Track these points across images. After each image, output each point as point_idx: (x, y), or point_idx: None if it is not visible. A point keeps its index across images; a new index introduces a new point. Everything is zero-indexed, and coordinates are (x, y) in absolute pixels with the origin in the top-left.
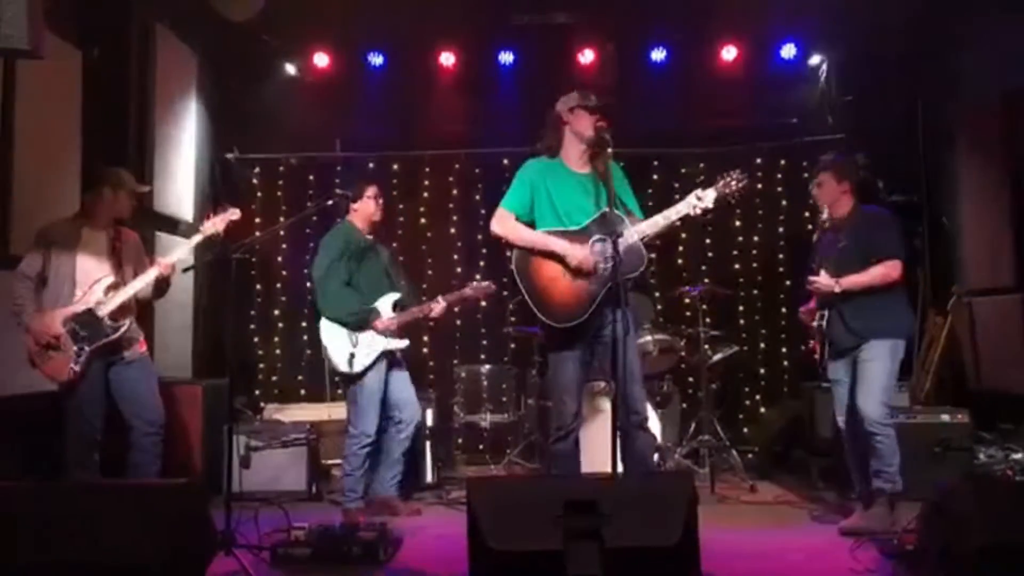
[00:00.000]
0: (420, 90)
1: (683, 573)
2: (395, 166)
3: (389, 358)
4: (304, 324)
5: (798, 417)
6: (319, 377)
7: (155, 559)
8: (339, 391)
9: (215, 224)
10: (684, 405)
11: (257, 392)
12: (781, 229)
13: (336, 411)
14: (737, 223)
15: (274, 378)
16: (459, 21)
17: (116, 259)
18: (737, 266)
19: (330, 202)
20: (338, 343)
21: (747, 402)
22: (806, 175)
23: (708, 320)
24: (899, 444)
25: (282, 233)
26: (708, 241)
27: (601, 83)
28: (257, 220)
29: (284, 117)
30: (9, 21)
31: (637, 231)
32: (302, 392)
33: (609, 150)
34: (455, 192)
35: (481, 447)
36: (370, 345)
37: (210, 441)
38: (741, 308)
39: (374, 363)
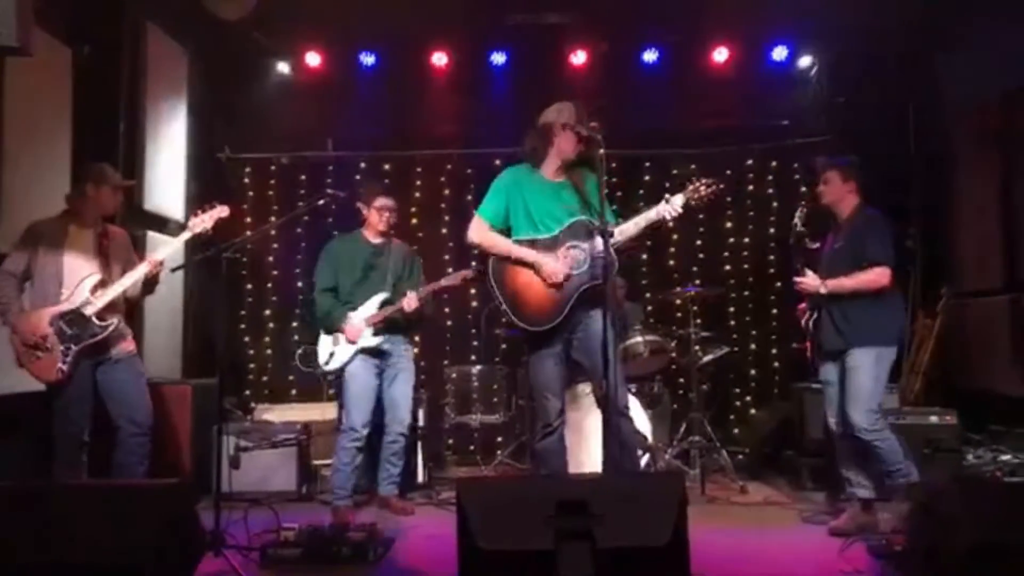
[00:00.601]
0: (412, 90)
1: (673, 573)
2: (387, 166)
3: (377, 356)
4: (295, 324)
5: (788, 418)
6: (310, 377)
7: (143, 560)
8: (331, 391)
9: (204, 221)
10: (675, 406)
11: (247, 392)
12: (772, 230)
13: (327, 411)
14: (728, 224)
15: (264, 378)
16: (452, 21)
17: (103, 257)
18: (728, 267)
19: (321, 202)
20: (324, 342)
21: (737, 403)
22: (797, 176)
23: (699, 321)
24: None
25: (273, 233)
26: (699, 242)
27: (593, 86)
28: (248, 219)
29: (276, 116)
30: None
31: (609, 233)
32: (292, 392)
33: (601, 151)
34: (447, 192)
35: (472, 447)
36: (348, 344)
37: (199, 441)
38: (732, 309)
39: (352, 360)
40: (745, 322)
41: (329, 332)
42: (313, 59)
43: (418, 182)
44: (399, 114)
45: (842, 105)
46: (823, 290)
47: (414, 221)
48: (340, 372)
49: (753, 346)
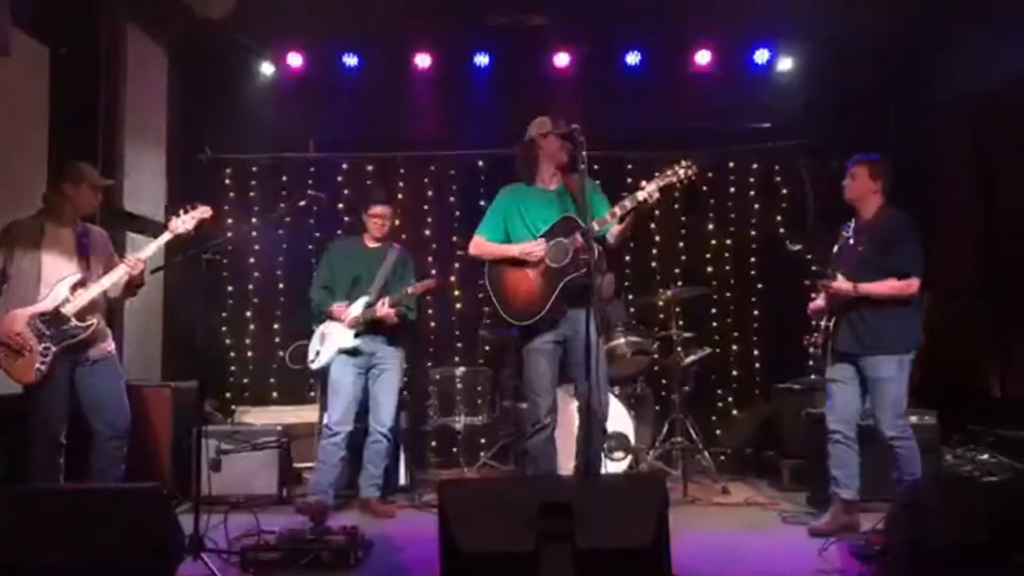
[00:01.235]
0: (395, 91)
1: (654, 574)
2: (369, 167)
3: (358, 356)
4: (276, 326)
5: (770, 419)
6: (291, 379)
7: (120, 565)
8: (311, 393)
9: (185, 222)
10: (657, 407)
11: (228, 395)
12: (753, 232)
13: (308, 414)
14: (710, 226)
15: (245, 380)
16: (434, 22)
17: (83, 256)
18: (710, 268)
19: (302, 203)
20: (313, 340)
21: (719, 404)
22: (778, 179)
23: (681, 322)
24: (867, 446)
25: (254, 234)
26: (681, 244)
27: (575, 88)
28: (229, 220)
29: (257, 117)
30: None
31: (589, 228)
32: (274, 395)
33: (584, 152)
34: (430, 193)
35: (455, 449)
36: (331, 345)
37: (179, 444)
38: (714, 311)
39: (333, 360)
40: (727, 323)
41: (322, 320)
42: (295, 60)
43: (401, 183)
44: (381, 115)
45: (823, 107)
46: (854, 293)
47: (397, 223)
48: (322, 372)
49: (735, 347)
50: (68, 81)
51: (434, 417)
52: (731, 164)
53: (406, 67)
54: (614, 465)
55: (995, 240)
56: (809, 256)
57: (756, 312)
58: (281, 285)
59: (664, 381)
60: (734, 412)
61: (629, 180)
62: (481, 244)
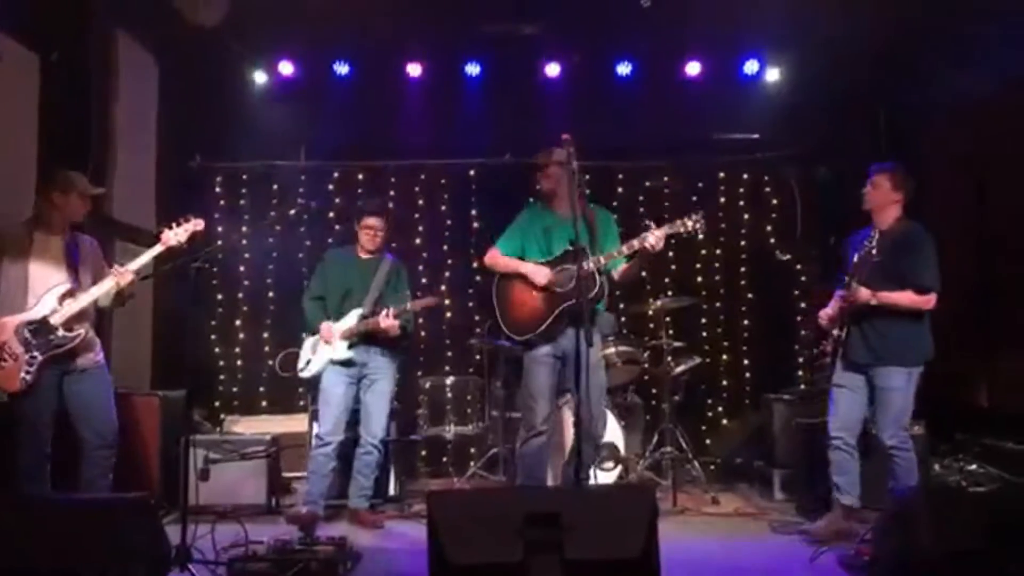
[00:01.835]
0: (386, 100)
1: None
2: (360, 175)
3: (351, 367)
4: (266, 335)
5: (760, 429)
6: (280, 388)
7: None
8: (300, 403)
9: (178, 235)
10: (647, 417)
11: (217, 404)
12: (743, 242)
13: (298, 423)
14: (700, 236)
15: (234, 389)
16: (426, 31)
17: (72, 265)
18: (700, 278)
19: (293, 212)
20: (305, 348)
21: (709, 414)
22: (768, 189)
23: (671, 332)
24: (856, 456)
25: (244, 242)
26: (671, 254)
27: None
28: (219, 228)
29: (248, 125)
30: None
31: (594, 260)
32: (263, 404)
33: (574, 164)
34: (420, 202)
35: (445, 459)
36: (323, 355)
37: (167, 453)
38: (703, 320)
39: (323, 370)
40: (717, 333)
41: (313, 334)
42: (286, 68)
43: (391, 192)
44: (372, 124)
45: (812, 118)
46: (873, 301)
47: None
48: (312, 381)
49: (725, 357)
50: (58, 88)
51: (424, 426)
52: (721, 174)
53: (397, 76)
54: (604, 475)
55: (986, 247)
56: (799, 266)
57: (746, 322)
58: (271, 294)
59: (654, 391)
60: (724, 422)
61: (620, 190)
62: (496, 256)
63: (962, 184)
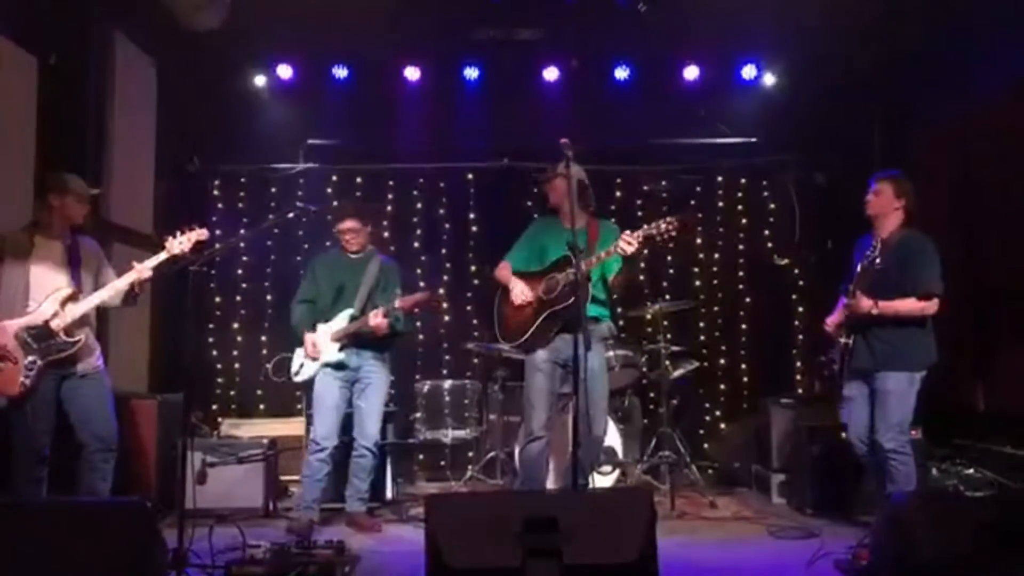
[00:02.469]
0: (385, 103)
1: None
2: (359, 179)
3: (343, 370)
4: (264, 338)
5: (758, 433)
6: (278, 392)
7: None
8: (298, 406)
9: (182, 243)
10: (645, 421)
11: (214, 407)
12: (741, 247)
13: (295, 426)
14: (698, 240)
15: (232, 392)
16: (424, 35)
17: (73, 269)
18: (697, 282)
19: (291, 215)
20: (298, 352)
21: (707, 418)
22: (766, 193)
23: (669, 336)
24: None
25: (242, 245)
26: (669, 258)
27: (564, 102)
28: (217, 231)
29: (246, 128)
30: None
31: (581, 268)
32: (260, 407)
33: (574, 168)
34: (419, 206)
35: (443, 463)
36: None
37: (165, 456)
38: (701, 324)
39: (317, 374)
40: (715, 337)
41: (300, 344)
42: (285, 71)
43: (390, 196)
44: (371, 127)
45: (809, 123)
46: (875, 311)
47: (386, 235)
48: (308, 384)
49: (722, 361)
50: (56, 91)
51: (422, 430)
52: (719, 178)
53: (396, 79)
54: (602, 479)
55: (977, 253)
56: (796, 270)
57: (744, 326)
58: (269, 297)
59: (652, 395)
60: (722, 426)
61: (617, 194)
62: (501, 269)
63: (956, 189)
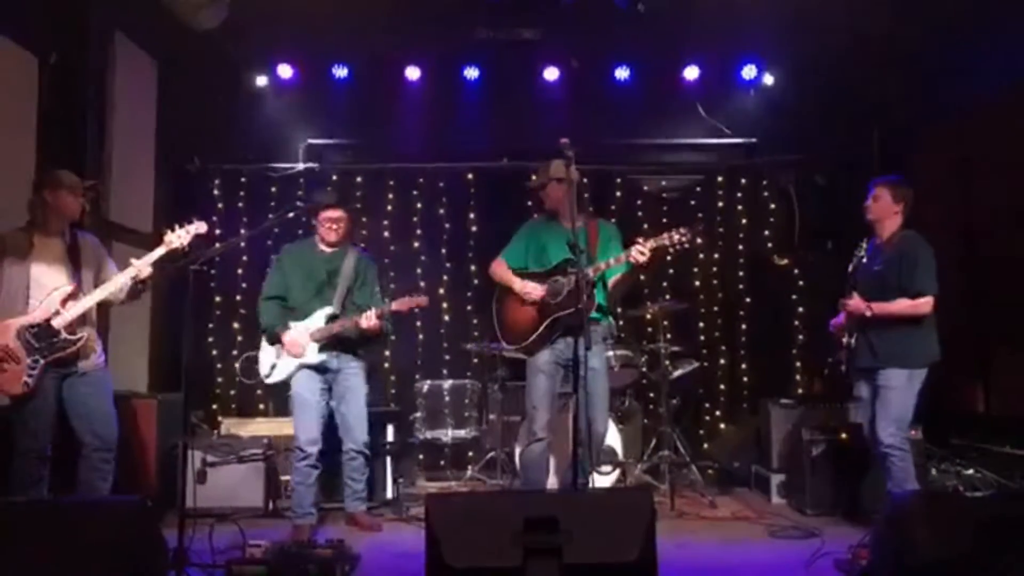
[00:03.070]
0: (385, 103)
1: None
2: (359, 178)
3: (323, 372)
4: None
5: (757, 433)
6: (278, 391)
7: None
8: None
9: (181, 237)
10: (645, 421)
11: (214, 406)
12: (741, 247)
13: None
14: (697, 240)
15: (232, 392)
16: (425, 35)
17: (74, 266)
18: (697, 282)
19: (291, 214)
20: (266, 352)
21: (707, 418)
22: (766, 193)
23: (668, 336)
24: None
25: (243, 244)
26: (668, 258)
27: (565, 102)
28: (218, 231)
29: (246, 128)
30: None
31: (585, 273)
32: (261, 407)
33: (574, 166)
34: (419, 205)
35: (443, 463)
36: (292, 358)
37: (165, 456)
38: (701, 324)
39: (295, 374)
40: (715, 337)
41: (271, 343)
42: (285, 71)
43: (390, 195)
44: (371, 127)
45: (809, 123)
46: (868, 313)
47: (386, 235)
48: (282, 385)
49: (722, 361)
50: (56, 90)
51: (422, 430)
52: (719, 178)
53: (396, 79)
54: (602, 479)
55: (975, 254)
56: (796, 271)
57: (744, 326)
58: None
59: (652, 395)
60: (722, 426)
61: (617, 194)
62: (499, 267)
63: (954, 191)
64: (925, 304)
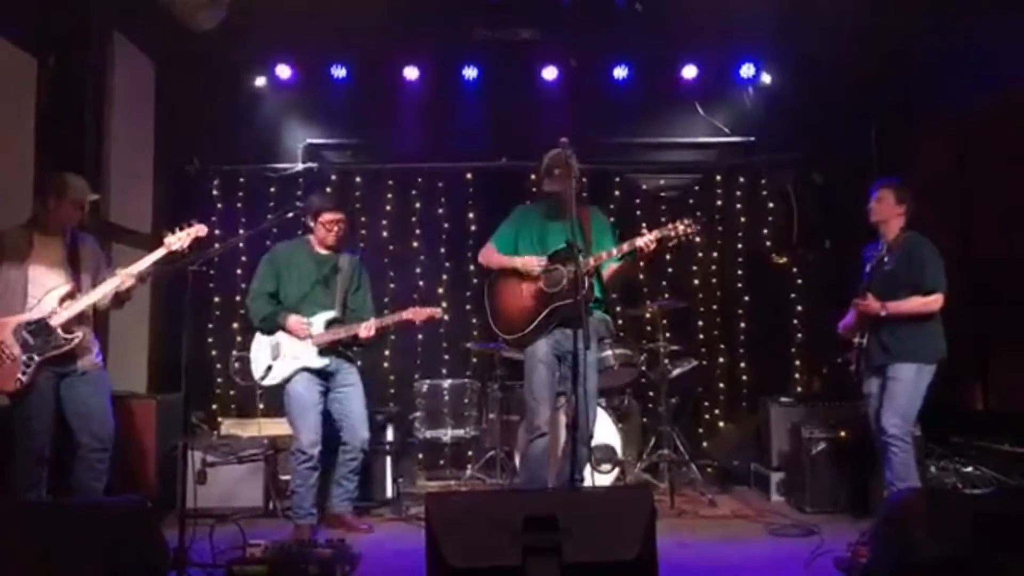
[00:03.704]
0: (383, 103)
1: None
2: (357, 179)
3: (322, 376)
4: None
5: (756, 431)
6: (277, 391)
7: None
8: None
9: (180, 239)
10: (644, 419)
11: (214, 407)
12: (740, 245)
13: None
14: (696, 238)
15: (231, 392)
16: (423, 35)
17: (72, 267)
18: (696, 281)
19: (290, 215)
20: (259, 353)
21: (706, 416)
22: (764, 192)
23: (668, 335)
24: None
25: (241, 245)
26: (667, 256)
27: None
28: (217, 232)
29: (245, 128)
30: None
31: (584, 263)
32: (260, 407)
33: (575, 164)
34: (418, 205)
35: (442, 462)
36: (291, 360)
37: (165, 456)
38: (700, 323)
39: (293, 377)
40: (714, 336)
41: (270, 333)
42: (284, 71)
43: (389, 195)
44: (370, 127)
45: (807, 121)
46: (883, 312)
47: (384, 235)
48: (278, 389)
49: (721, 359)
50: (55, 91)
51: (421, 429)
52: (717, 177)
53: (395, 79)
54: (601, 478)
55: (973, 252)
56: (795, 269)
57: (743, 324)
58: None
59: (651, 393)
60: (721, 424)
61: (616, 193)
62: (490, 253)
63: (952, 189)
64: (936, 301)
